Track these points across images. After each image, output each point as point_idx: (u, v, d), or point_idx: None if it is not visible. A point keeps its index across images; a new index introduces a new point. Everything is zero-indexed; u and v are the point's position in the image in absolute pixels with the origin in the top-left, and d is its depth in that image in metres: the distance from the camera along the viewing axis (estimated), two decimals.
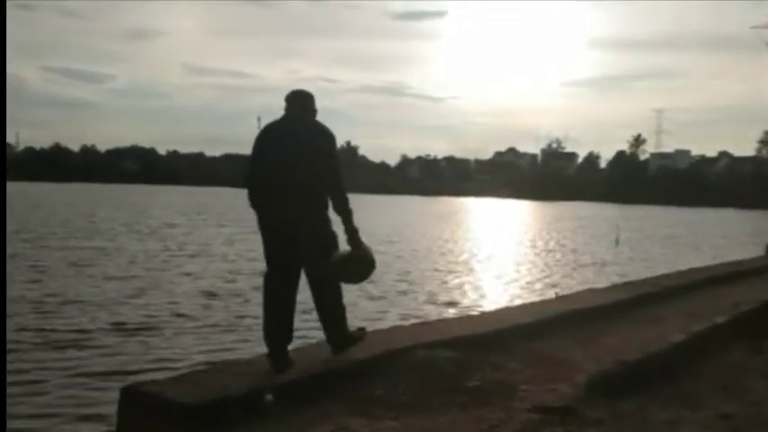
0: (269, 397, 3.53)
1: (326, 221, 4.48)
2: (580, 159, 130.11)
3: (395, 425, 3.70)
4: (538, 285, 15.87)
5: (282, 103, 4.59)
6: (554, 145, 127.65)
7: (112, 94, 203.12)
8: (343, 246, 4.54)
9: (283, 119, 4.56)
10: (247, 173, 4.51)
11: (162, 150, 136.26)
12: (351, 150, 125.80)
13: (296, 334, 4.59)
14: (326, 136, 4.49)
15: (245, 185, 4.49)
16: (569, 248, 26.25)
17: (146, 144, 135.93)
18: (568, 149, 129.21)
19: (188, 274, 14.44)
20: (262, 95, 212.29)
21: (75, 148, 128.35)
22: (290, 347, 4.50)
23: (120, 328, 9.21)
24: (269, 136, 4.50)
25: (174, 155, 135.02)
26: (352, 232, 4.49)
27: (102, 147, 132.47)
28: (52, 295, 11.26)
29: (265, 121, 4.62)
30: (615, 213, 58.80)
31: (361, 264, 4.56)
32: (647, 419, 3.87)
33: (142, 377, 6.09)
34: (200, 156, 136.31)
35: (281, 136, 4.43)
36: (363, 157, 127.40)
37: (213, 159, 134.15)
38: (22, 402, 6.25)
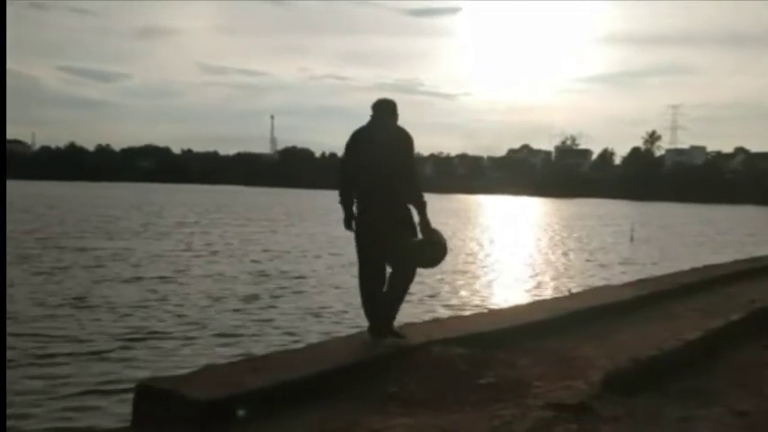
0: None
1: (408, 213, 5.02)
2: (594, 156, 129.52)
3: (408, 422, 3.70)
4: (551, 282, 15.82)
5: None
6: (568, 142, 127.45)
7: (126, 93, 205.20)
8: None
9: (370, 124, 5.11)
10: (340, 173, 5.14)
11: (176, 149, 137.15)
12: None
13: (310, 334, 4.63)
14: (407, 138, 5.04)
15: (338, 184, 5.10)
16: (583, 246, 26.14)
17: (160, 143, 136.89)
18: (582, 146, 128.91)
19: (210, 276, 14.36)
20: (274, 94, 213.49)
21: (91, 147, 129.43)
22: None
23: (136, 332, 9.16)
24: (359, 139, 5.07)
25: (188, 154, 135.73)
26: (425, 222, 4.98)
27: (117, 146, 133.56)
28: (78, 298, 11.30)
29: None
30: (630, 210, 58.51)
31: (434, 249, 5.09)
32: (661, 417, 3.85)
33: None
34: (214, 155, 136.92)
35: (371, 139, 5.01)
36: None
37: (227, 158, 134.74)
38: (47, 397, 6.44)
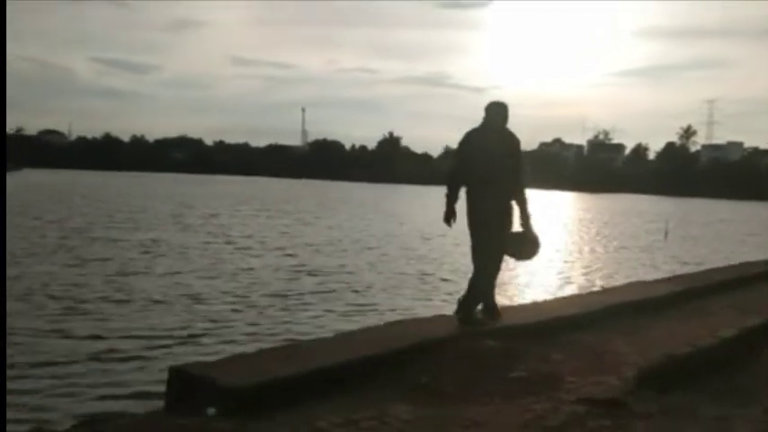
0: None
1: (511, 207, 5.53)
2: (628, 151, 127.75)
3: (438, 413, 3.69)
4: (584, 277, 15.67)
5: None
6: (601, 136, 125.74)
7: (159, 84, 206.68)
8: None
9: (483, 126, 5.55)
10: (451, 170, 5.59)
11: (208, 141, 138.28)
12: (393, 141, 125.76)
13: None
14: (516, 140, 5.60)
15: (450, 180, 5.50)
16: (616, 241, 25.85)
17: (193, 134, 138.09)
18: (616, 141, 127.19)
19: (249, 269, 14.34)
20: (304, 86, 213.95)
21: (125, 138, 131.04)
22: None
23: (178, 325, 9.29)
24: (472, 140, 5.50)
25: (219, 145, 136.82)
26: (527, 218, 5.54)
27: (151, 137, 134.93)
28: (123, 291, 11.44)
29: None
30: (664, 206, 57.68)
31: (533, 244, 5.58)
32: (696, 414, 3.78)
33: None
34: (246, 146, 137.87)
35: (483, 140, 5.45)
36: (406, 148, 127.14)
37: (258, 150, 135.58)
38: (82, 383, 6.62)
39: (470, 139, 5.56)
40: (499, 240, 5.45)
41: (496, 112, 5.55)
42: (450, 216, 5.46)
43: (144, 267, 13.91)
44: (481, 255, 5.49)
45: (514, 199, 5.51)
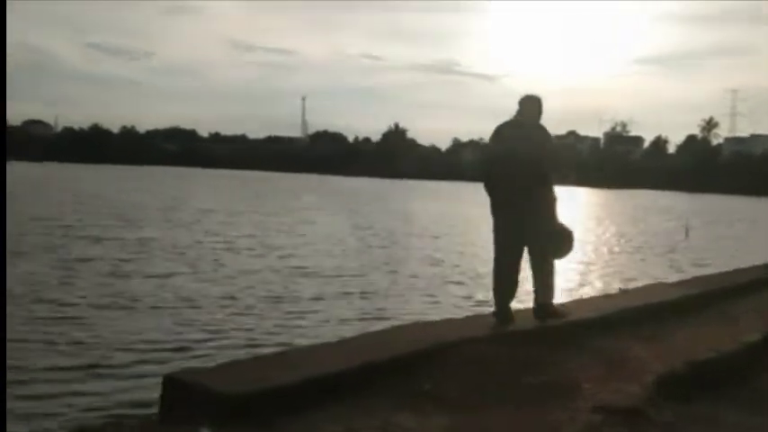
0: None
1: (539, 204, 5.65)
2: (646, 144, 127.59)
3: (445, 422, 3.69)
4: (600, 279, 15.67)
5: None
6: (618, 128, 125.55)
7: (151, 71, 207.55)
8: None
9: (516, 119, 5.75)
10: (485, 164, 5.81)
11: (203, 132, 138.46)
12: (399, 133, 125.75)
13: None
14: (547, 136, 5.80)
15: (482, 175, 5.70)
16: (634, 240, 25.83)
17: (186, 125, 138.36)
18: (633, 133, 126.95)
19: (246, 271, 14.30)
20: (304, 74, 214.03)
21: (115, 128, 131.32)
22: None
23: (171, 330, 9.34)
24: (505, 133, 5.69)
25: (215, 137, 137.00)
26: (552, 217, 5.69)
27: (142, 128, 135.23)
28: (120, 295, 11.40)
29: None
30: (684, 203, 57.62)
31: (567, 240, 5.75)
32: (718, 424, 3.79)
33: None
34: (243, 138, 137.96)
35: (516, 133, 5.62)
36: (413, 141, 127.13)
37: (256, 142, 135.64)
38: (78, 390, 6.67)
39: (499, 133, 5.76)
40: (518, 238, 5.62)
41: (529, 106, 5.77)
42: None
43: (134, 268, 13.89)
44: (498, 253, 5.71)
45: (541, 197, 5.65)
